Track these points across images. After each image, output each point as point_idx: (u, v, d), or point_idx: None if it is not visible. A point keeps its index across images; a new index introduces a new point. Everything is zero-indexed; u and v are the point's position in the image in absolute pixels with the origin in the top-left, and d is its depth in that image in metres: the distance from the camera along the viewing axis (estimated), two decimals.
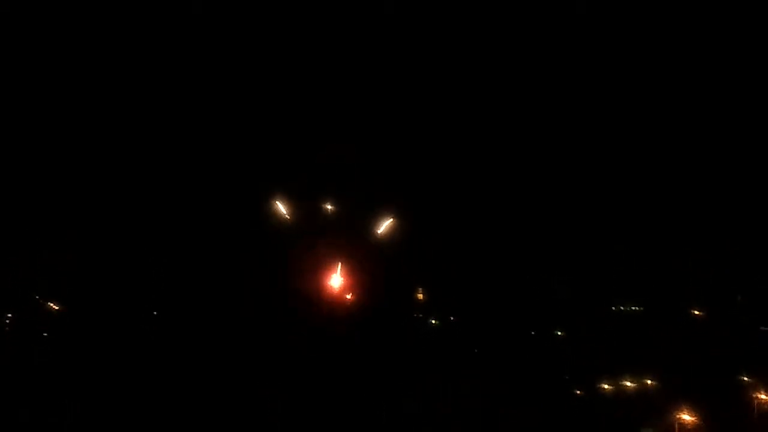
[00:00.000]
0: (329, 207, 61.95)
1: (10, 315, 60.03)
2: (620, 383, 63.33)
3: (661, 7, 61.94)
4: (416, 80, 63.22)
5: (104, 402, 57.16)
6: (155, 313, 61.65)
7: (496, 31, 62.67)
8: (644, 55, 63.20)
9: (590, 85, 63.78)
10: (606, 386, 63.25)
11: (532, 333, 65.02)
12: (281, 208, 61.09)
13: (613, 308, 66.01)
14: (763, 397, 62.75)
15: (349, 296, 61.52)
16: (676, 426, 61.01)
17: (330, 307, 60.95)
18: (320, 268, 61.23)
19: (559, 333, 65.39)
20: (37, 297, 60.81)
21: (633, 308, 66.13)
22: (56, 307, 60.96)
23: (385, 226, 61.54)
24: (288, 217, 61.15)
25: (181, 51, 61.02)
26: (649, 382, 63.40)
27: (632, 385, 63.28)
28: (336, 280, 61.27)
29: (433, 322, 64.34)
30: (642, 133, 65.08)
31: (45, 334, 60.38)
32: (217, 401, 57.87)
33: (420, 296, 64.08)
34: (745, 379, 63.50)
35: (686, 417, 60.76)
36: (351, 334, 60.61)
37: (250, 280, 60.73)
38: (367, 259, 61.98)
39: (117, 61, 61.22)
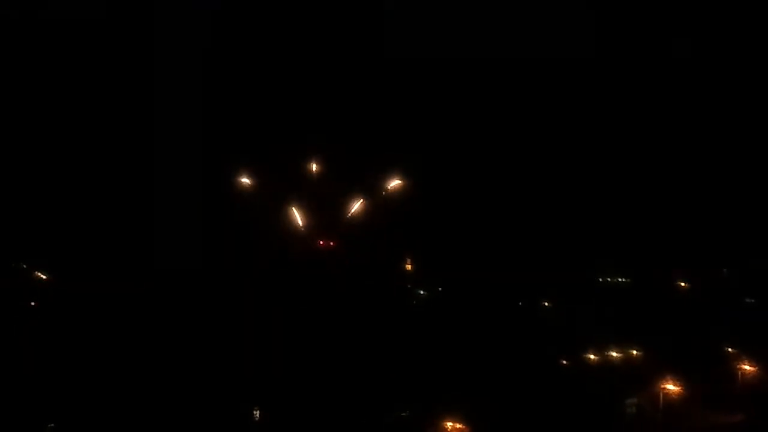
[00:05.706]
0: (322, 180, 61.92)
1: None
2: (606, 354, 63.75)
3: (662, 9, 62.86)
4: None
5: (92, 369, 57.02)
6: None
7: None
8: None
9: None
10: (592, 356, 63.66)
11: (520, 304, 65.35)
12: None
13: (600, 280, 66.49)
14: (747, 367, 63.43)
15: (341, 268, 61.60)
16: (661, 396, 61.45)
17: (324, 278, 61.04)
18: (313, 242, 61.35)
19: (546, 304, 65.78)
20: (25, 266, 60.44)
21: (620, 280, 66.63)
22: (44, 277, 60.62)
23: (374, 200, 61.60)
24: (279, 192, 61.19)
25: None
26: (634, 352, 63.88)
27: (618, 355, 63.73)
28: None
29: (422, 292, 64.50)
30: (621, 113, 66.02)
31: (33, 304, 60.06)
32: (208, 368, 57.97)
33: (408, 267, 64.18)
34: (730, 349, 64.19)
35: (671, 387, 61.17)
36: (343, 303, 60.63)
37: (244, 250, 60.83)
38: (357, 233, 61.98)
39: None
